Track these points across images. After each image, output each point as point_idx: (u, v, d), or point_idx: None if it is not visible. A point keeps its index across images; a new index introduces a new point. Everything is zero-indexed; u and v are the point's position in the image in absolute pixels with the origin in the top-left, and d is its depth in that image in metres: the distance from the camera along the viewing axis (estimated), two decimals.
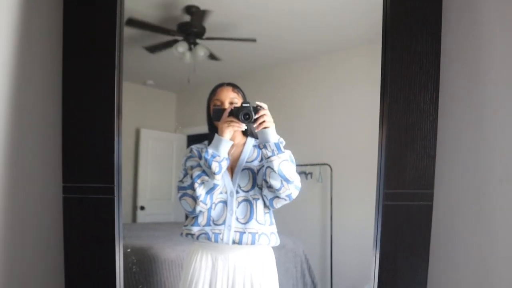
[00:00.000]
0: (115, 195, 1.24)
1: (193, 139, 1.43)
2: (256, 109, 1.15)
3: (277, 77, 1.47)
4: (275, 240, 1.22)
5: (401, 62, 1.27)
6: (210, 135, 1.24)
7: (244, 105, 1.15)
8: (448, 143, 1.35)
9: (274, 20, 1.42)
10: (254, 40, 1.40)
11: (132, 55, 1.43)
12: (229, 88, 1.24)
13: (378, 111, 1.27)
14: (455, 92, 1.34)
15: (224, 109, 1.18)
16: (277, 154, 1.14)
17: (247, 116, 1.14)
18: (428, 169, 1.29)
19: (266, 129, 1.14)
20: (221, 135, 1.16)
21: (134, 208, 1.48)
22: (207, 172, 1.17)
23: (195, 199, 1.17)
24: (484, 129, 1.31)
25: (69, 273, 1.25)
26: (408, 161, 1.28)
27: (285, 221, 1.28)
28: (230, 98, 1.22)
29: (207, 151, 1.16)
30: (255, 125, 1.15)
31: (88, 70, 1.25)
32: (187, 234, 1.22)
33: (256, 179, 1.21)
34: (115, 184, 1.24)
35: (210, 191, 1.18)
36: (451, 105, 1.34)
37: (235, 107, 1.17)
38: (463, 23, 1.32)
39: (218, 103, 1.22)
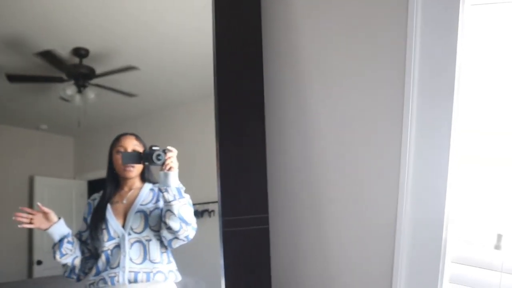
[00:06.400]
0: None
1: (94, 185, 1.39)
2: (165, 152, 1.21)
3: (168, 119, 1.49)
4: (174, 277, 1.28)
5: (230, 100, 1.41)
6: (109, 180, 1.31)
7: (154, 148, 1.22)
8: (278, 169, 1.51)
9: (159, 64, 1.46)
10: (134, 95, 1.43)
11: (23, 99, 1.38)
12: (132, 137, 1.31)
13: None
14: (279, 124, 1.51)
15: (137, 152, 1.26)
16: (178, 198, 1.21)
17: (159, 157, 1.20)
18: (261, 196, 1.43)
19: (170, 172, 1.21)
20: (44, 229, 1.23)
21: (30, 263, 1.38)
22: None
23: None
24: (310, 153, 1.46)
25: None
26: (242, 190, 1.41)
27: (186, 261, 1.30)
28: (133, 145, 1.29)
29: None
30: (163, 167, 1.21)
31: None
32: (89, 284, 1.26)
33: (148, 221, 1.26)
34: None
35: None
36: (277, 132, 1.51)
37: (148, 149, 1.23)
38: (283, 67, 1.49)
39: (122, 149, 1.28)
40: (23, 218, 1.20)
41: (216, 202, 1.39)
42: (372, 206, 1.33)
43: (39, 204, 1.23)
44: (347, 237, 1.40)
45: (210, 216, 1.39)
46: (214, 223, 1.39)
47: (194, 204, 1.28)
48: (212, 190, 1.40)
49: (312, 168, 1.46)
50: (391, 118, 1.26)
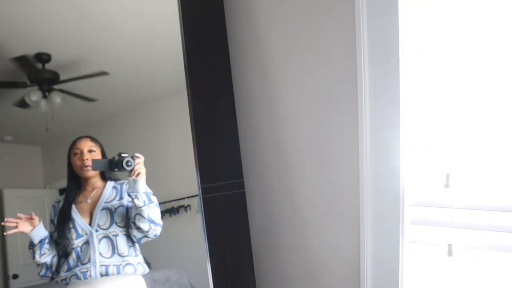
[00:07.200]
0: None
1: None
2: (133, 159, 1.25)
3: (135, 116, 1.50)
4: (142, 269, 1.34)
5: (201, 80, 1.47)
6: (70, 182, 1.35)
7: (123, 155, 1.25)
8: (249, 139, 1.61)
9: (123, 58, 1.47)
10: (106, 73, 1.42)
11: None
12: (87, 139, 1.35)
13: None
14: (247, 97, 1.60)
15: (107, 160, 1.29)
16: (148, 204, 1.27)
17: (129, 163, 1.23)
18: (236, 162, 1.50)
19: (139, 178, 1.25)
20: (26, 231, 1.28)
21: (6, 277, 1.35)
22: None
23: None
24: (277, 124, 1.55)
25: None
26: (217, 158, 1.47)
27: (168, 255, 1.33)
28: (89, 146, 1.33)
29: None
30: (131, 173, 1.25)
31: None
32: (61, 280, 1.31)
33: (114, 217, 1.31)
34: None
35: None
36: (246, 106, 1.60)
37: (117, 156, 1.26)
38: (246, 39, 1.58)
39: (78, 152, 1.32)
40: (12, 223, 1.25)
41: (192, 196, 1.42)
42: (337, 165, 1.42)
43: (32, 213, 1.29)
44: (315, 193, 1.49)
45: (186, 211, 1.42)
46: (190, 218, 1.41)
47: (170, 201, 1.33)
48: (187, 185, 1.42)
49: (279, 137, 1.55)
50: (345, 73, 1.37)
